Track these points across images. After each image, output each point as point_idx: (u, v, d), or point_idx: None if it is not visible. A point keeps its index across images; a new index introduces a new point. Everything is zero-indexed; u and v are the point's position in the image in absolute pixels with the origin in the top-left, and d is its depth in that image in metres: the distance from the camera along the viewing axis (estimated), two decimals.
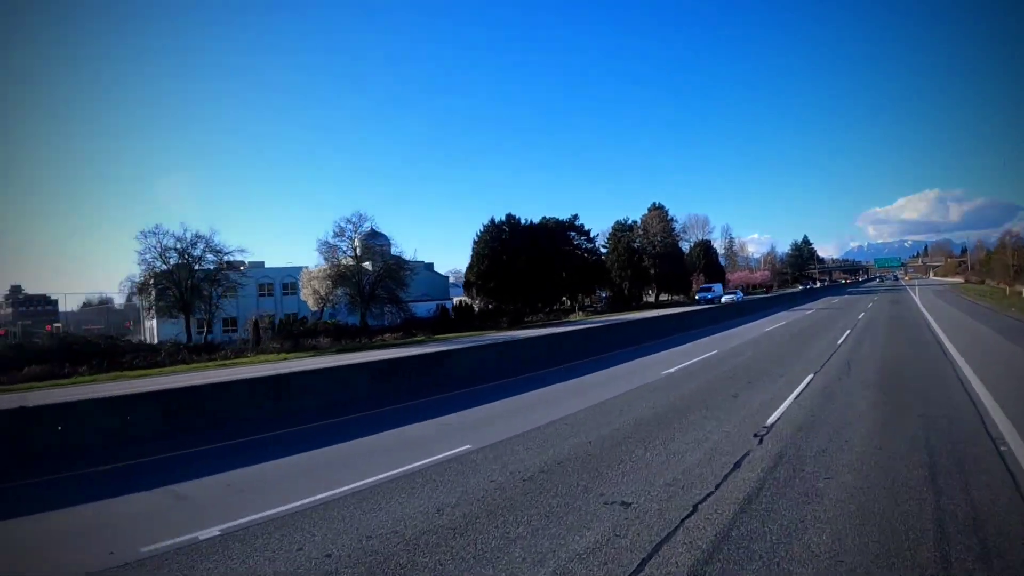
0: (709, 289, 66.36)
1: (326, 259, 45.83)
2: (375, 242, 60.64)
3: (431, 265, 68.77)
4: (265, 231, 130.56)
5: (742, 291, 78.28)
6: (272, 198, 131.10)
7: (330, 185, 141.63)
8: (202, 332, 42.69)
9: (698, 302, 61.63)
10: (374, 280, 45.63)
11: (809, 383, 11.90)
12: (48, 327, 60.99)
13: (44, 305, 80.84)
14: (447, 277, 70.68)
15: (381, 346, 34.30)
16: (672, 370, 14.96)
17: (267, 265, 58.04)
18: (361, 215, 47.14)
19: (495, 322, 49.26)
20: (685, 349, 20.19)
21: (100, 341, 33.54)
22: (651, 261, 71.03)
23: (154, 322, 46.17)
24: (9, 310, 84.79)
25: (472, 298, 64.26)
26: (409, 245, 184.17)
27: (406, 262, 50.35)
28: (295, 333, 38.91)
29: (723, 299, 62.46)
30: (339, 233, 46.24)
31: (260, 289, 54.96)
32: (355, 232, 46.94)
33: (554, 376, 15.33)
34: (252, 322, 42.39)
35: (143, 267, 39.40)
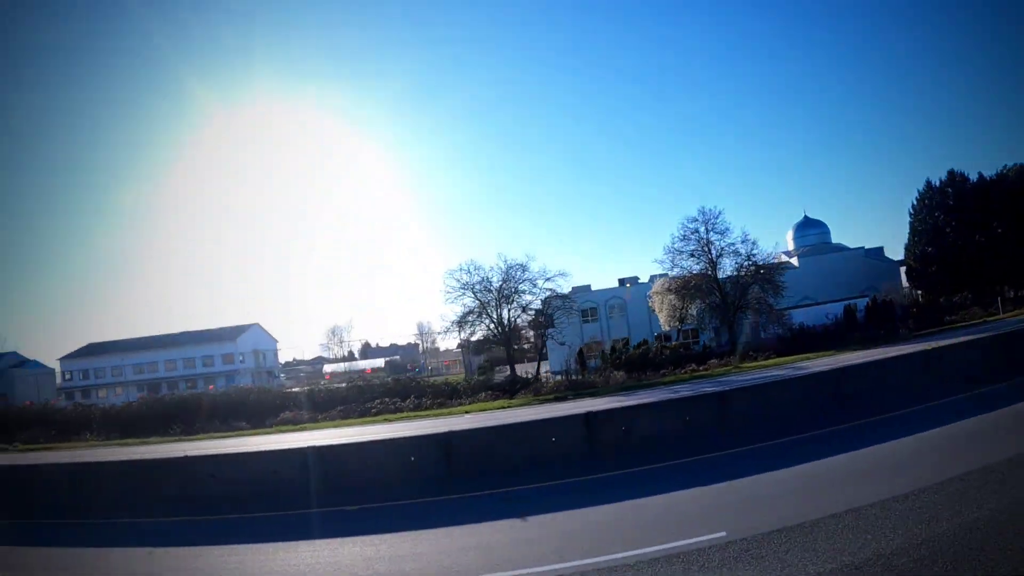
0: None
1: (670, 269, 39.73)
2: (808, 232, 54.14)
3: (879, 250, 54.96)
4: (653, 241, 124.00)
5: None
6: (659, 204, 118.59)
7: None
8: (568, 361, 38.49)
9: None
10: (738, 289, 37.86)
11: None
12: (368, 370, 64.61)
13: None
14: (897, 263, 54.77)
15: (645, 386, 28.34)
16: None
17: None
18: (709, 211, 38.66)
19: (888, 332, 35.20)
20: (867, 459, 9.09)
21: (388, 384, 34.90)
22: None
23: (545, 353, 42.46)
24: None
25: (914, 288, 51.06)
26: (851, 232, 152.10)
27: (782, 256, 41.92)
28: (627, 362, 34.57)
29: None
30: (686, 236, 38.75)
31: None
32: (707, 232, 38.54)
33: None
34: (578, 351, 38.88)
35: (456, 304, 38.59)
